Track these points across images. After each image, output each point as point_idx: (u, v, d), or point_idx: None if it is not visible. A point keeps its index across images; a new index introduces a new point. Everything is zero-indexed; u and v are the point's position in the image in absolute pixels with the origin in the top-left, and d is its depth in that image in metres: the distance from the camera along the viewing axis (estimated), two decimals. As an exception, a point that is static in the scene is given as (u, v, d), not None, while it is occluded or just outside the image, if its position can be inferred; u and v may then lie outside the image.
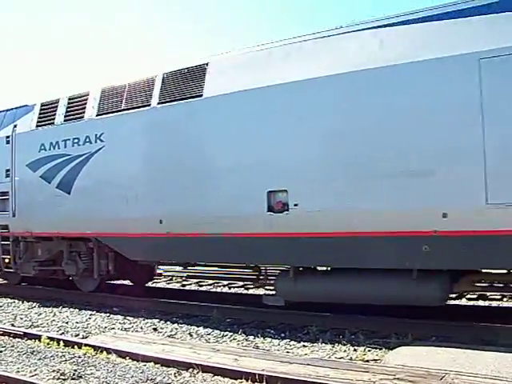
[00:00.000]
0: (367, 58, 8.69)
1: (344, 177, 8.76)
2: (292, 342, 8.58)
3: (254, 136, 9.69)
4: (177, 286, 16.03)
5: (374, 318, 9.25)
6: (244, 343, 8.69)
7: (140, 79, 11.58)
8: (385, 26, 8.85)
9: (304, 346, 8.37)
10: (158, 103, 10.96)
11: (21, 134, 13.64)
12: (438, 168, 7.98)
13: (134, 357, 7.72)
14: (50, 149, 12.80)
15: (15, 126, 13.86)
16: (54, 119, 12.97)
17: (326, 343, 8.38)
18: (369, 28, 9.00)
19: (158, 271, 16.17)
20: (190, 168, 10.44)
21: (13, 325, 10.53)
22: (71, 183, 12.27)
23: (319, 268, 9.91)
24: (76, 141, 12.24)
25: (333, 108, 8.93)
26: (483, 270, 8.93)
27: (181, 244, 10.69)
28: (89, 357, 7.95)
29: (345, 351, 7.96)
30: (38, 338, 9.10)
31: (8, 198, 13.65)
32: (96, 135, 11.84)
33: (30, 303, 12.81)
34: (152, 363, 7.43)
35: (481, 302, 11.78)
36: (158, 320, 10.47)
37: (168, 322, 10.27)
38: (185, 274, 16.81)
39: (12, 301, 13.26)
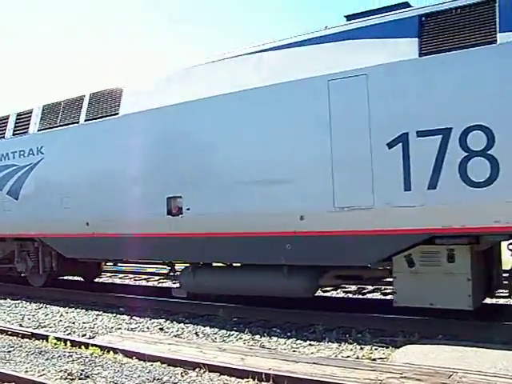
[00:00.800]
0: (243, 81, 10.01)
1: (221, 184, 10.13)
2: (298, 341, 8.58)
3: (154, 149, 11.12)
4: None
5: (381, 316, 9.24)
6: (250, 342, 8.70)
7: (71, 98, 13.09)
8: (260, 51, 10.10)
9: (310, 344, 8.37)
10: (85, 120, 12.42)
11: None
12: (295, 177, 9.26)
13: (141, 357, 7.74)
14: (0, 160, 14.37)
15: None
16: (4, 133, 14.53)
17: (332, 342, 8.38)
18: (247, 54, 10.29)
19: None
20: (108, 177, 11.91)
21: (21, 325, 10.57)
22: (18, 190, 13.84)
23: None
24: (22, 153, 13.81)
25: (210, 126, 10.37)
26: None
27: (103, 243, 12.17)
28: (96, 357, 7.97)
29: (351, 350, 7.96)
30: (45, 338, 9.14)
31: None
32: (37, 148, 13.40)
33: (37, 304, 12.85)
34: (158, 363, 7.44)
35: (488, 300, 11.72)
36: (164, 320, 10.48)
37: (174, 322, 10.29)
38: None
39: (19, 301, 13.31)
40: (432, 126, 8.10)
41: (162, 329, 9.89)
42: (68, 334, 9.63)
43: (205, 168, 10.43)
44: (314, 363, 7.04)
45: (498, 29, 7.72)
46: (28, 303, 13.04)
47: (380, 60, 8.61)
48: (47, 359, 7.99)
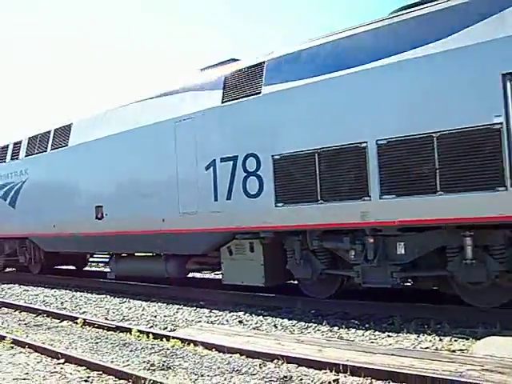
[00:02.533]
0: (133, 122, 13.75)
1: (123, 196, 13.93)
2: (376, 333, 8.51)
3: (86, 171, 15.19)
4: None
5: (460, 307, 9.04)
6: (328, 334, 8.69)
7: (43, 132, 17.51)
8: (145, 99, 13.85)
9: (388, 336, 8.28)
10: (51, 149, 16.74)
11: None
12: (158, 191, 12.88)
13: (220, 349, 7.89)
14: (4, 179, 19.09)
15: None
16: (5, 158, 19.25)
17: (410, 333, 8.25)
18: (138, 101, 14.05)
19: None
20: (62, 192, 16.08)
21: (106, 318, 11.01)
22: (15, 201, 18.48)
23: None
24: (16, 173, 18.44)
25: (113, 154, 14.30)
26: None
27: (64, 240, 16.20)
28: (177, 349, 8.20)
29: (430, 341, 7.81)
30: (128, 330, 9.49)
31: None
32: (24, 170, 17.94)
33: (120, 298, 13.29)
34: (238, 355, 7.57)
35: None
36: (243, 313, 10.61)
37: (253, 315, 10.40)
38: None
39: (104, 296, 13.80)
40: (228, 154, 11.29)
41: (241, 321, 10.02)
42: (150, 327, 9.92)
43: (113, 184, 14.38)
44: (392, 354, 6.99)
45: (263, 83, 10.82)
46: (112, 297, 13.51)
47: (203, 106, 11.92)
48: (131, 351, 8.28)
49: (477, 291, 8.85)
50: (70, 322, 10.82)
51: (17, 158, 18.48)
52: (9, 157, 19.00)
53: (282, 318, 9.88)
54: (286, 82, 10.43)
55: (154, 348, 8.33)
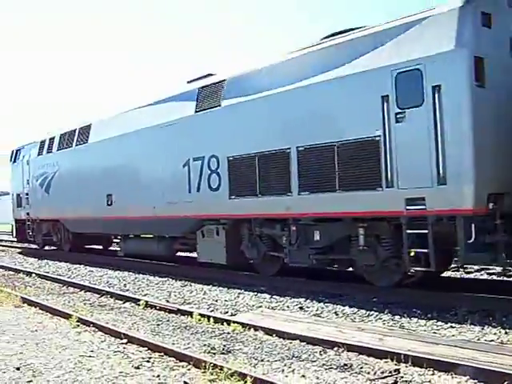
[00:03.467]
0: (133, 125, 16.51)
1: (128, 188, 16.57)
2: (439, 323, 8.32)
3: (101, 164, 18.10)
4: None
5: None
6: (390, 323, 8.56)
7: (70, 130, 20.46)
8: (142, 106, 16.64)
9: (451, 327, 8.08)
10: (76, 145, 19.81)
11: (31, 159, 23.67)
12: (151, 184, 15.50)
13: (281, 334, 7.89)
14: (41, 169, 22.25)
15: (30, 155, 23.91)
16: (43, 151, 22.54)
17: (474, 325, 8.03)
18: (148, 105, 16.35)
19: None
20: (82, 181, 19.18)
21: (167, 301, 11.15)
22: (49, 189, 21.69)
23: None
24: (50, 164, 21.55)
25: (121, 151, 17.11)
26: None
27: (84, 222, 19.57)
28: (237, 333, 8.23)
29: (495, 334, 7.58)
30: (190, 314, 9.58)
31: (28, 198, 23.84)
32: (56, 162, 21.11)
33: (182, 282, 13.46)
34: (298, 341, 7.55)
35: None
36: (304, 299, 10.56)
37: (314, 301, 10.33)
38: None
39: (166, 279, 14.00)
40: (198, 155, 13.75)
41: (301, 308, 9.98)
42: (211, 311, 9.99)
43: (120, 176, 17.06)
44: (455, 346, 6.83)
45: (222, 98, 13.21)
46: (174, 281, 13.69)
47: (182, 114, 14.41)
48: (192, 334, 8.36)
49: (373, 272, 10.73)
50: (133, 304, 11.04)
51: (51, 152, 21.78)
52: (45, 150, 22.33)
53: (343, 306, 9.79)
54: (236, 97, 12.84)
55: (214, 332, 8.40)
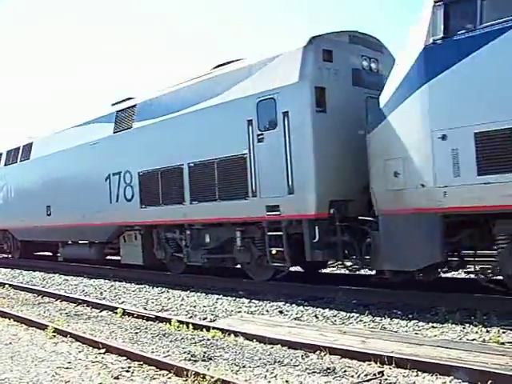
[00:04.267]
0: (68, 143, 18.43)
1: (63, 199, 18.53)
2: (420, 323, 8.29)
3: (42, 178, 20.04)
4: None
5: (509, 298, 8.75)
6: (371, 325, 8.53)
7: (16, 146, 22.50)
8: (76, 126, 18.64)
9: (433, 327, 8.06)
10: (20, 161, 21.83)
11: None
12: (81, 194, 17.44)
13: (261, 339, 7.79)
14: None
15: None
16: None
17: (456, 324, 8.02)
18: (77, 126, 18.59)
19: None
20: (25, 195, 21.38)
21: (145, 308, 11.01)
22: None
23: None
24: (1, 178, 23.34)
25: (56, 169, 18.94)
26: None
27: (27, 231, 21.45)
28: (217, 339, 8.11)
29: (477, 333, 7.57)
30: (168, 321, 9.42)
31: None
32: (4, 176, 22.96)
33: (159, 288, 13.30)
34: (279, 345, 7.46)
35: None
36: (283, 303, 10.48)
37: (294, 305, 10.26)
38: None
39: (143, 286, 13.82)
40: (116, 170, 15.76)
41: (281, 312, 9.90)
42: (190, 318, 9.86)
43: (57, 189, 18.77)
44: (438, 346, 6.81)
45: (133, 121, 15.29)
46: (151, 288, 13.51)
47: (104, 135, 16.41)
48: (171, 341, 8.22)
49: (250, 268, 12.57)
50: (110, 312, 10.85)
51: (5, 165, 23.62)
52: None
53: (324, 309, 9.74)
54: (143, 120, 14.87)
55: (194, 338, 8.27)
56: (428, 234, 8.88)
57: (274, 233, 11.34)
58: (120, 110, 16.14)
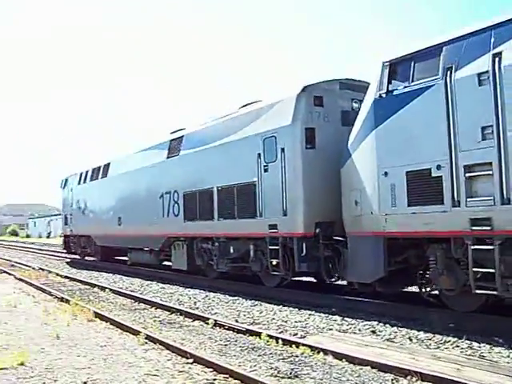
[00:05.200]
0: (134, 165, 21.88)
1: (131, 212, 21.82)
2: (525, 356, 7.71)
3: (115, 193, 23.70)
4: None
5: None
6: (468, 352, 8.05)
7: (97, 166, 26.35)
8: (141, 150, 21.98)
9: (540, 360, 7.49)
10: (100, 178, 25.50)
11: (73, 187, 30.30)
12: (144, 210, 20.55)
13: (351, 359, 7.58)
14: (80, 195, 29.03)
15: (73, 184, 30.35)
16: (80, 182, 28.89)
17: None
18: (143, 150, 21.74)
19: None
20: (101, 207, 25.41)
21: (236, 320, 10.99)
22: (84, 211, 27.94)
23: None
24: (84, 192, 27.97)
25: (125, 186, 22.62)
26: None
27: (103, 237, 25.49)
28: (305, 356, 7.97)
29: None
30: (258, 334, 9.36)
31: (71, 218, 30.35)
32: (88, 190, 27.54)
33: (252, 301, 13.27)
34: (369, 367, 7.23)
35: None
36: (376, 322, 10.16)
37: (387, 325, 9.92)
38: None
39: (236, 298, 13.86)
40: (167, 190, 18.71)
41: (374, 331, 9.61)
42: (280, 332, 9.75)
43: (127, 201, 22.23)
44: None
45: (181, 149, 18.29)
46: (244, 300, 13.52)
47: (159, 159, 19.53)
48: (259, 355, 8.16)
49: (262, 276, 14.77)
50: (202, 322, 10.92)
51: (85, 182, 27.47)
52: (82, 181, 28.06)
53: (418, 331, 9.34)
54: (187, 149, 17.70)
55: (282, 354, 8.17)
56: (375, 253, 10.74)
57: (274, 247, 13.59)
58: (172, 139, 19.08)
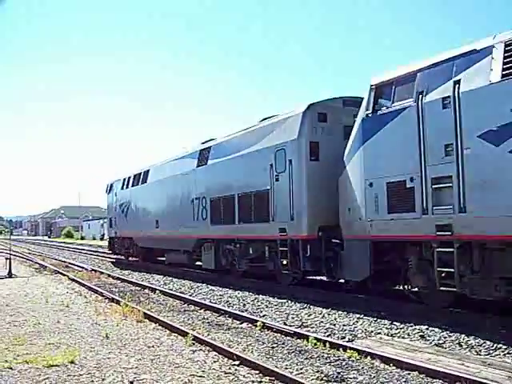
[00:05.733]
0: (178, 170, 23.02)
1: (166, 215, 23.88)
2: None
3: (153, 198, 25.78)
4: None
5: None
6: (520, 359, 7.85)
7: (138, 172, 28.30)
8: (178, 158, 23.65)
9: None
10: (141, 184, 27.41)
11: (117, 192, 32.05)
12: (176, 213, 22.74)
13: (399, 364, 7.50)
14: (123, 199, 30.89)
15: (117, 188, 32.19)
16: (123, 187, 31.15)
17: None
18: (177, 159, 23.77)
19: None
20: (142, 210, 27.35)
21: (285, 323, 10.98)
22: (126, 214, 30.05)
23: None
24: (127, 196, 29.88)
25: (163, 191, 24.39)
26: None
27: (143, 239, 27.33)
28: (353, 360, 7.92)
29: None
30: (306, 337, 9.35)
31: (116, 220, 32.58)
32: (130, 195, 29.42)
33: (301, 304, 13.23)
34: (416, 372, 7.13)
35: None
36: (425, 327, 9.99)
37: (436, 330, 9.75)
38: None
39: (285, 300, 13.83)
40: (197, 196, 20.52)
41: (422, 336, 9.46)
42: (328, 336, 9.72)
43: (162, 207, 24.35)
44: None
45: (208, 159, 20.07)
46: (293, 303, 13.49)
47: (190, 168, 21.54)
48: (306, 358, 8.15)
49: (277, 275, 16.21)
50: (250, 325, 10.98)
51: (128, 187, 29.33)
52: (125, 186, 29.93)
53: (468, 336, 9.14)
54: (214, 159, 19.56)
55: (329, 358, 8.13)
56: (363, 255, 12.24)
57: (283, 248, 15.19)
58: (202, 149, 20.93)
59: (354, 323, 10.83)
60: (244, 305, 13.62)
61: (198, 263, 21.91)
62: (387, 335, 9.68)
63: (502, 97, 9.38)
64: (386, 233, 11.66)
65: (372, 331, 10.04)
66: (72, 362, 7.90)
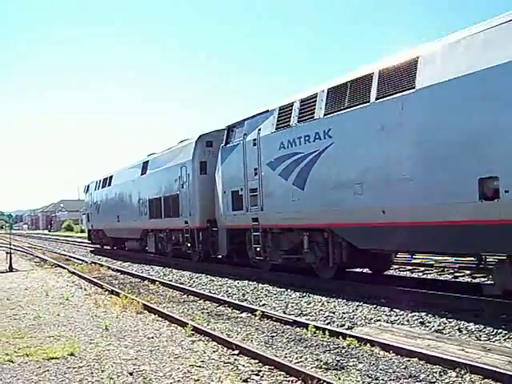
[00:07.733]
0: (130, 177, 30.16)
1: (126, 210, 30.11)
2: None
3: (113, 197, 32.87)
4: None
5: None
6: (520, 344, 7.82)
7: (105, 177, 34.74)
8: (131, 167, 30.33)
9: None
10: (108, 186, 33.99)
11: (92, 192, 37.98)
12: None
13: (398, 351, 7.46)
14: (96, 199, 36.85)
15: (92, 189, 37.73)
16: (96, 188, 36.21)
17: None
18: (131, 167, 30.16)
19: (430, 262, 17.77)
20: (110, 208, 33.79)
21: (284, 312, 10.95)
22: (99, 210, 36.10)
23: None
24: (99, 196, 36.01)
25: (115, 193, 32.97)
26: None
27: (111, 230, 33.66)
28: (352, 348, 7.90)
29: None
30: (305, 326, 9.32)
31: (91, 215, 38.71)
32: (101, 195, 35.61)
33: (300, 292, 13.18)
34: (416, 359, 7.09)
35: None
36: (425, 313, 9.95)
37: (436, 316, 9.71)
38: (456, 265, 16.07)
39: (285, 289, 13.79)
40: (141, 197, 27.51)
41: (422, 322, 9.43)
42: (327, 324, 9.68)
43: (122, 205, 30.69)
44: None
45: (148, 169, 26.89)
46: (292, 291, 13.43)
47: (137, 176, 28.27)
48: (305, 347, 8.12)
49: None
50: (249, 314, 10.95)
51: (99, 189, 36.03)
52: (98, 187, 36.65)
53: (468, 322, 9.10)
54: (151, 170, 26.06)
55: (328, 346, 8.11)
56: (224, 238, 18.69)
57: (187, 235, 21.91)
58: (144, 162, 27.17)
59: (353, 311, 10.79)
60: (244, 294, 13.59)
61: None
62: (387, 322, 9.65)
63: (275, 141, 14.84)
64: (232, 223, 17.82)
65: (372, 318, 10.00)
66: (72, 355, 7.91)
